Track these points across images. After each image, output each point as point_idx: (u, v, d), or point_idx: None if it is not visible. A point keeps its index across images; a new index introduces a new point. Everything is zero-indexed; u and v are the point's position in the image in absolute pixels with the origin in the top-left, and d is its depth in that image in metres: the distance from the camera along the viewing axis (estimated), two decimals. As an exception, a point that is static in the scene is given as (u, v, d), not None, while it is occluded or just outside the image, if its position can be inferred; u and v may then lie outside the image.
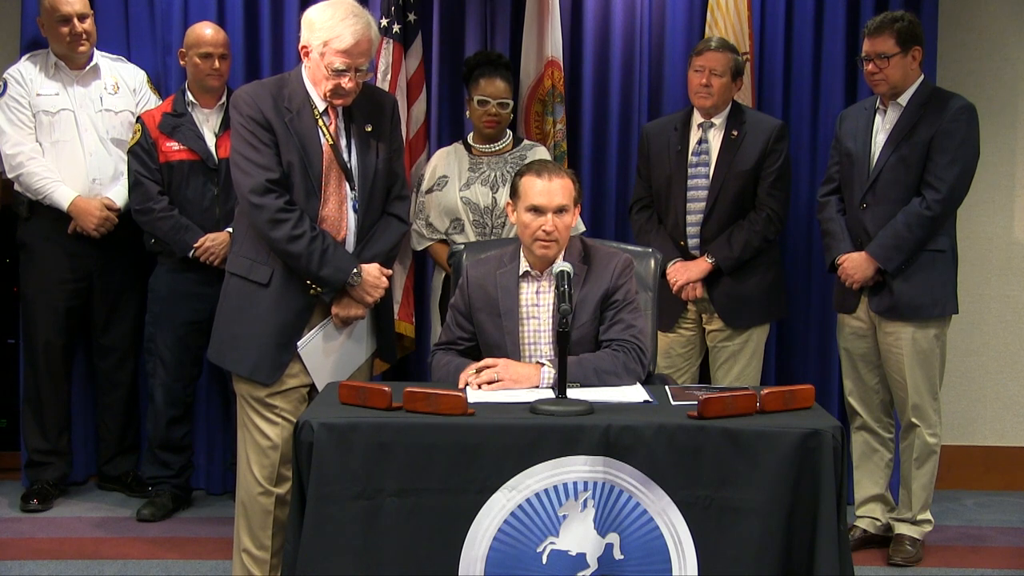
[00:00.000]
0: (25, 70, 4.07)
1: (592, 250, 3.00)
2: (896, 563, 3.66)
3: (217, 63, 3.94)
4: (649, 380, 2.94)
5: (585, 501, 2.42)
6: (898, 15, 3.59)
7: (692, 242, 3.82)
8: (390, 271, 3.16)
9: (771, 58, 4.32)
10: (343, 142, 3.09)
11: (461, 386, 2.75)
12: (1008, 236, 4.56)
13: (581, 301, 2.89)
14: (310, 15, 3.01)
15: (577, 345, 2.84)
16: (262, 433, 3.05)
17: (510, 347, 2.91)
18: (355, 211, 3.09)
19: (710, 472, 2.40)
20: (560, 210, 2.88)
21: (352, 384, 2.59)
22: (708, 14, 4.19)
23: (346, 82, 2.98)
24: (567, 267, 2.71)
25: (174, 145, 3.94)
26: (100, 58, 4.15)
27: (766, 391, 2.53)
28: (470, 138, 3.92)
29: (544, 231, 2.87)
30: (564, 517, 2.42)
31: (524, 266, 2.97)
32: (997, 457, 4.58)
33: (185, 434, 4.17)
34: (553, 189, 2.88)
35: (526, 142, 3.94)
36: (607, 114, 4.34)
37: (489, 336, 2.96)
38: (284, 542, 2.57)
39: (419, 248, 3.95)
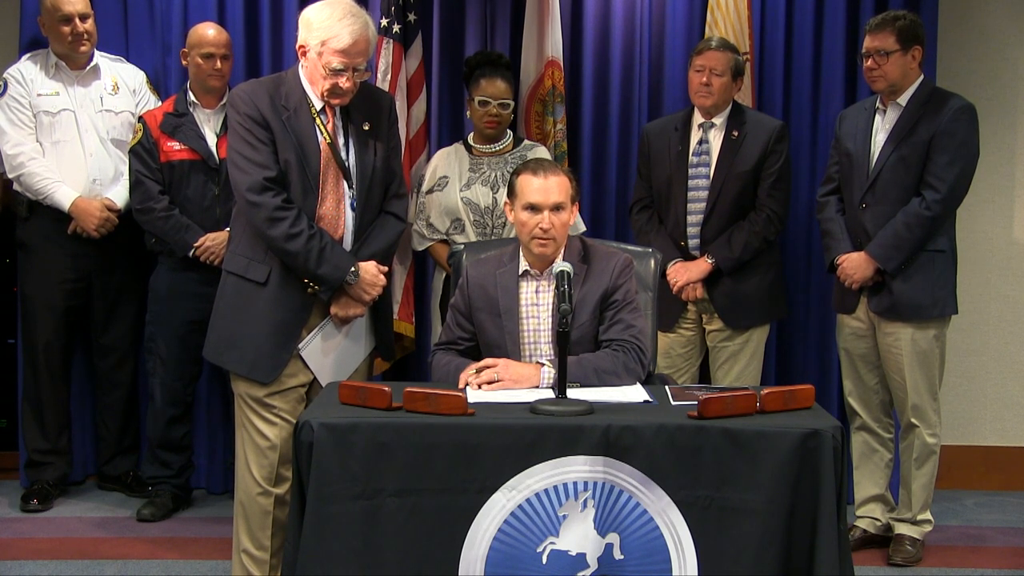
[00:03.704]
0: (25, 70, 4.06)
1: (592, 250, 3.00)
2: (896, 563, 3.66)
3: (219, 63, 3.94)
4: (649, 380, 2.93)
5: (585, 501, 2.42)
6: (900, 14, 3.60)
7: (692, 242, 3.82)
8: (387, 268, 3.16)
9: (771, 58, 4.32)
10: (341, 140, 3.08)
11: (461, 386, 2.75)
12: (1008, 236, 4.56)
13: (581, 301, 2.89)
14: (308, 14, 3.01)
15: (577, 345, 2.83)
16: (260, 433, 3.05)
17: (510, 347, 2.91)
18: (353, 209, 3.08)
19: (710, 472, 2.40)
20: (557, 208, 2.88)
21: (352, 384, 2.59)
22: (708, 14, 4.19)
23: (344, 82, 2.97)
24: (567, 267, 2.71)
25: (175, 145, 3.94)
26: (100, 58, 4.14)
27: (766, 391, 2.53)
28: (470, 138, 3.92)
29: (541, 229, 2.86)
30: (564, 517, 2.42)
31: (524, 265, 2.96)
32: (997, 457, 4.58)
33: (185, 433, 4.16)
34: (549, 187, 2.88)
35: (526, 142, 3.94)
36: (607, 114, 4.33)
37: (489, 336, 2.96)
38: (284, 542, 2.57)
39: (420, 248, 3.95)
